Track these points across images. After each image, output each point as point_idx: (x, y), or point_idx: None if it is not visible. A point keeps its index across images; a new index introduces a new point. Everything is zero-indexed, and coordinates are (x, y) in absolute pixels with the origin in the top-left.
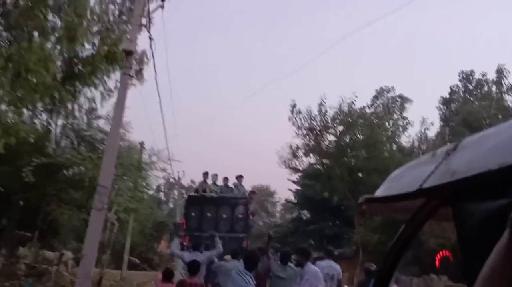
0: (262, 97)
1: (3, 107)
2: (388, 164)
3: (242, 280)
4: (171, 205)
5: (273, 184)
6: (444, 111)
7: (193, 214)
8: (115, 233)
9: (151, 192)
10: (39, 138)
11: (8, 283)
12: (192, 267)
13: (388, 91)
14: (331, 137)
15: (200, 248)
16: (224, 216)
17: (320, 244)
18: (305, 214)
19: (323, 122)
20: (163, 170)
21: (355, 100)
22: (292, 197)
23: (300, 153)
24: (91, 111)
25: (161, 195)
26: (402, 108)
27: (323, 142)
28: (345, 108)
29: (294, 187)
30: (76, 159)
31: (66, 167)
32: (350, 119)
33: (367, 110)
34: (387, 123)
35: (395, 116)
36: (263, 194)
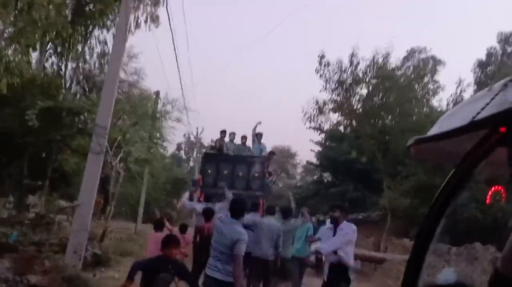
0: (286, 51)
1: (3, 43)
2: (424, 123)
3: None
4: (191, 164)
5: (294, 146)
6: (479, 75)
7: (209, 171)
8: (121, 183)
9: (166, 145)
10: (47, 81)
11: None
12: (207, 213)
13: (420, 52)
14: (362, 92)
15: (213, 200)
16: (240, 174)
17: None
18: (327, 177)
19: (354, 75)
20: (178, 120)
21: (390, 52)
22: (314, 159)
23: (327, 108)
24: (104, 55)
25: (182, 153)
26: (433, 71)
27: (353, 97)
28: (380, 60)
29: (317, 148)
30: (85, 105)
31: (74, 112)
32: (383, 73)
33: (397, 72)
34: (417, 87)
35: (426, 79)
36: (284, 155)
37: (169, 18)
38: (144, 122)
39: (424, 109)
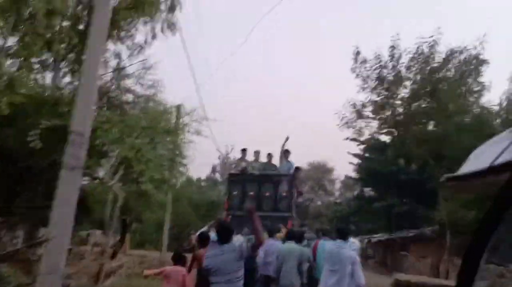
0: (317, 55)
1: (7, 61)
2: (480, 122)
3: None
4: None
5: (330, 161)
6: None
7: (235, 192)
8: (120, 207)
9: (186, 162)
10: (55, 99)
11: None
12: (202, 239)
13: (461, 53)
14: (405, 91)
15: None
16: (267, 194)
17: (387, 223)
18: (368, 191)
19: (396, 70)
20: (198, 132)
21: (438, 39)
22: (353, 173)
23: (366, 111)
24: (119, 70)
25: (217, 175)
26: (477, 72)
27: (396, 96)
28: (426, 51)
29: (356, 161)
30: (96, 122)
31: None
32: (431, 64)
33: (437, 75)
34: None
35: (469, 81)
36: (320, 171)
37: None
38: (162, 138)
39: (475, 109)
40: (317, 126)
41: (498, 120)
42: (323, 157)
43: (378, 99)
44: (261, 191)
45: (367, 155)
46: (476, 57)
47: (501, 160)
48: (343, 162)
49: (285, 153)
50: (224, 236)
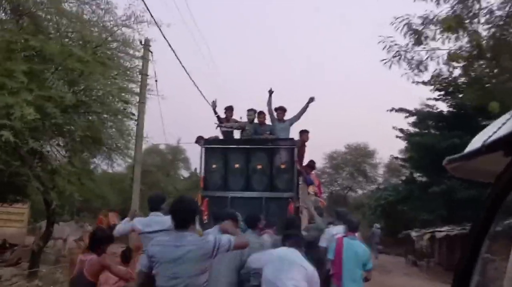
0: None
1: None
2: None
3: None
4: None
5: (372, 143)
6: None
7: (214, 166)
8: None
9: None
10: None
11: None
12: (93, 239)
13: None
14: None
15: (162, 205)
16: (259, 167)
17: (447, 213)
18: (417, 176)
19: None
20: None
21: None
22: (399, 154)
23: (431, 30)
24: None
25: None
26: None
27: (479, 8)
28: None
29: (403, 137)
30: None
31: None
32: None
33: None
34: None
35: None
36: (360, 154)
37: None
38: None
39: None
40: (356, 101)
41: None
42: (363, 138)
43: (447, 12)
44: (251, 163)
45: (421, 127)
46: None
47: (494, 137)
48: (387, 144)
49: (277, 111)
50: (180, 218)
